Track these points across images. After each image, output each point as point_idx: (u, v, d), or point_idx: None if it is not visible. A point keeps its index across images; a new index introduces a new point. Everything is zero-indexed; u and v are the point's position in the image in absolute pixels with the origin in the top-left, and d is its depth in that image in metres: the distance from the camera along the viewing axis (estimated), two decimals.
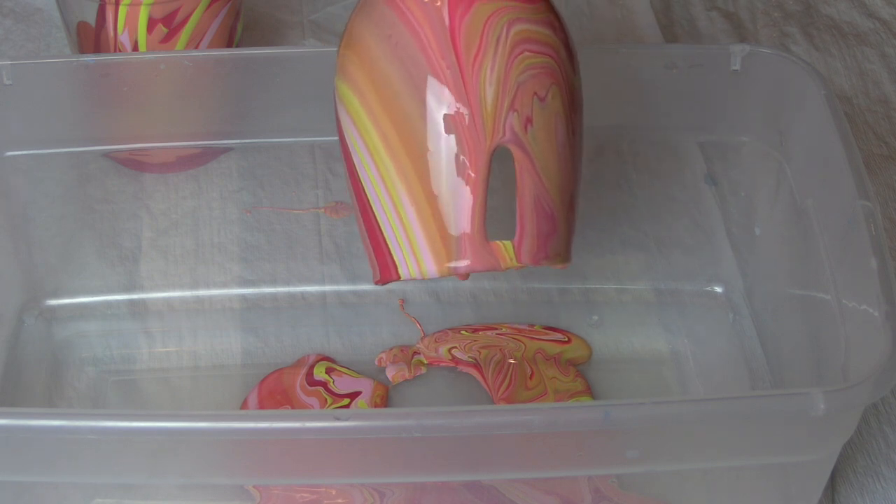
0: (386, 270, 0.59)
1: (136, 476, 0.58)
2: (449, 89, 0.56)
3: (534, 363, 0.72)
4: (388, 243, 0.58)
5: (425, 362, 0.72)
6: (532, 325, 0.74)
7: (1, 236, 0.72)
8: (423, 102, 0.56)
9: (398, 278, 0.58)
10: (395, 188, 0.57)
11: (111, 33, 0.75)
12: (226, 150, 0.78)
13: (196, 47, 0.76)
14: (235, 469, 0.58)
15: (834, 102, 0.65)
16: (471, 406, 0.70)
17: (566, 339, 0.73)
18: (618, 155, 0.78)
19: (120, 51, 0.75)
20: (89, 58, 0.68)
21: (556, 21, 0.59)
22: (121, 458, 0.57)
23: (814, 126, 0.65)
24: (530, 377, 0.71)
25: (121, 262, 0.75)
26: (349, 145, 0.59)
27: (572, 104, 0.59)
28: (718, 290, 0.75)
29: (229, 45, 0.79)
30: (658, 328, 0.74)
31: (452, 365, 0.72)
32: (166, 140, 0.71)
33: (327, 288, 0.75)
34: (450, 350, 0.72)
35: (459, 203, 0.57)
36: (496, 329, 0.73)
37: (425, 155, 0.57)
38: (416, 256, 0.58)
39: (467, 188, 0.57)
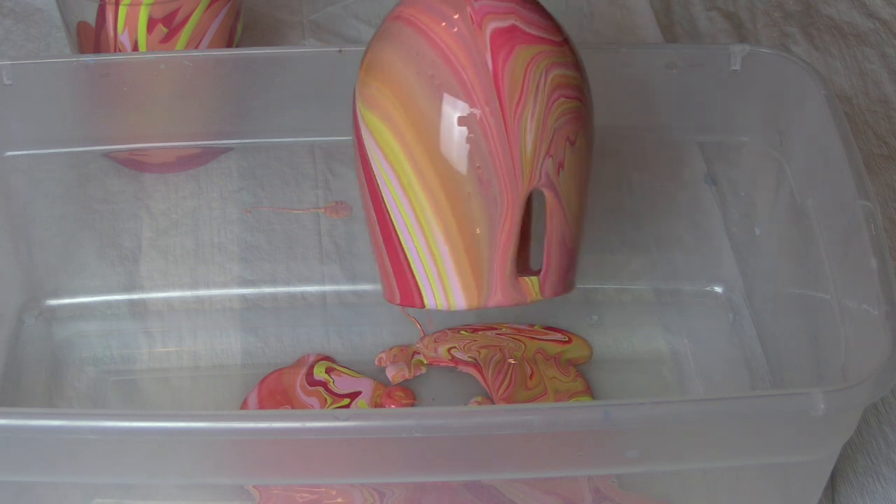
0: (409, 297, 0.60)
1: (136, 476, 0.58)
2: (493, 136, 0.57)
3: (534, 363, 0.72)
4: (415, 273, 0.59)
5: (425, 362, 0.72)
6: (532, 325, 0.74)
7: (1, 236, 0.72)
8: (465, 147, 0.57)
9: (422, 307, 0.60)
10: (428, 225, 0.58)
11: (111, 33, 0.75)
12: (226, 150, 0.78)
13: (196, 47, 0.76)
14: (235, 469, 0.58)
15: (834, 102, 0.65)
16: (471, 406, 0.70)
17: (567, 339, 0.73)
18: (618, 155, 0.78)
19: (120, 51, 0.75)
20: (89, 58, 0.68)
21: (579, 62, 0.60)
22: (121, 458, 0.57)
23: (814, 126, 0.65)
24: (530, 377, 0.71)
25: (121, 262, 0.75)
26: (375, 173, 0.59)
27: (592, 142, 0.60)
28: (718, 290, 0.75)
29: (229, 45, 0.79)
30: (658, 328, 0.74)
31: (452, 365, 0.72)
32: (166, 140, 0.71)
33: (327, 288, 0.75)
34: (449, 350, 0.72)
35: (494, 244, 0.58)
36: (496, 329, 0.73)
37: (465, 198, 0.58)
38: (445, 290, 0.59)
39: (504, 231, 0.58)
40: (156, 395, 0.71)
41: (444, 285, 0.59)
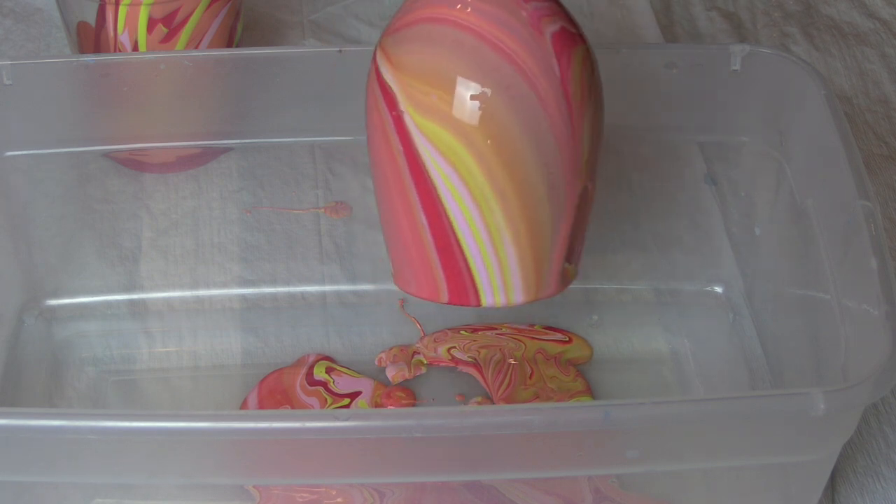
0: (463, 296, 0.60)
1: (136, 476, 0.58)
2: (564, 142, 0.58)
3: (534, 363, 0.72)
4: (475, 274, 0.60)
5: (425, 362, 0.72)
6: (532, 325, 0.74)
7: (1, 236, 0.72)
8: (540, 154, 0.58)
9: (479, 305, 0.60)
10: (497, 229, 0.59)
11: (111, 33, 0.75)
12: (226, 150, 0.78)
13: (196, 47, 0.76)
14: (235, 469, 0.58)
15: (834, 102, 0.65)
16: (471, 406, 0.70)
17: (567, 339, 0.73)
18: (618, 155, 0.78)
19: (120, 51, 0.75)
20: (89, 58, 0.68)
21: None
22: (121, 458, 0.57)
23: (814, 126, 0.65)
24: (530, 377, 0.71)
25: (121, 262, 0.75)
26: (434, 179, 0.58)
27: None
28: (718, 290, 0.75)
29: (229, 45, 0.79)
30: (658, 328, 0.74)
31: (452, 365, 0.72)
32: (166, 140, 0.71)
33: (327, 288, 0.75)
34: (448, 350, 0.72)
35: (556, 241, 0.60)
36: (496, 329, 0.73)
37: (537, 203, 0.58)
38: (505, 287, 0.60)
39: (564, 228, 0.60)
40: (156, 395, 0.71)
41: (505, 283, 0.60)
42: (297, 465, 0.57)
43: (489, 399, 0.70)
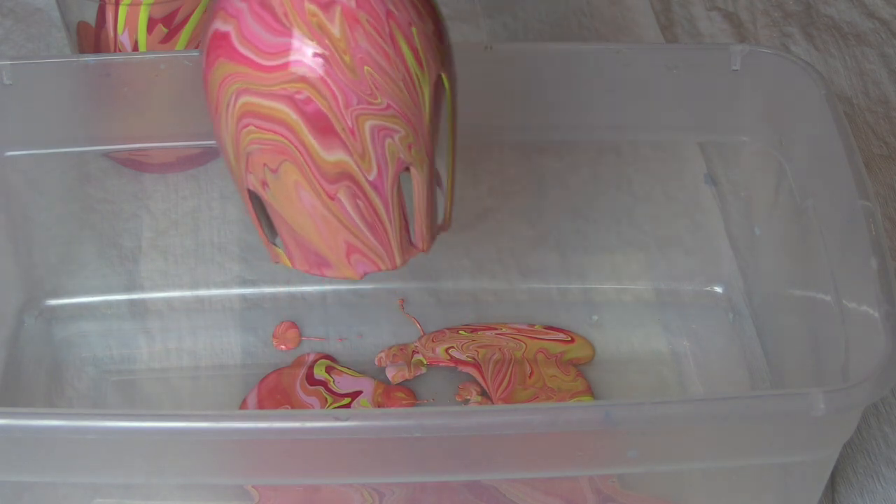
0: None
1: (136, 476, 0.58)
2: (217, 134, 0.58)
3: (534, 363, 0.72)
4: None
5: (425, 362, 0.72)
6: (532, 326, 0.74)
7: (1, 236, 0.72)
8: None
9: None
10: None
11: (111, 33, 0.75)
12: None
13: (196, 47, 0.76)
14: (235, 469, 0.58)
15: (834, 102, 0.65)
16: (471, 406, 0.70)
17: (569, 339, 0.73)
18: (618, 155, 0.78)
19: (120, 51, 0.75)
20: (89, 58, 0.68)
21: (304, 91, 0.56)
22: (121, 458, 0.57)
23: (814, 126, 0.65)
24: (530, 376, 0.71)
25: (121, 262, 0.75)
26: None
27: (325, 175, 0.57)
28: (718, 290, 0.75)
29: None
30: (658, 328, 0.74)
31: (452, 365, 0.72)
32: (166, 140, 0.71)
33: (327, 288, 0.75)
34: (447, 350, 0.72)
35: None
36: (496, 329, 0.73)
37: None
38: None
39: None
40: (156, 395, 0.71)
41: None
42: (297, 465, 0.57)
43: (488, 398, 0.70)
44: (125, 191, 0.78)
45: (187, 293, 0.75)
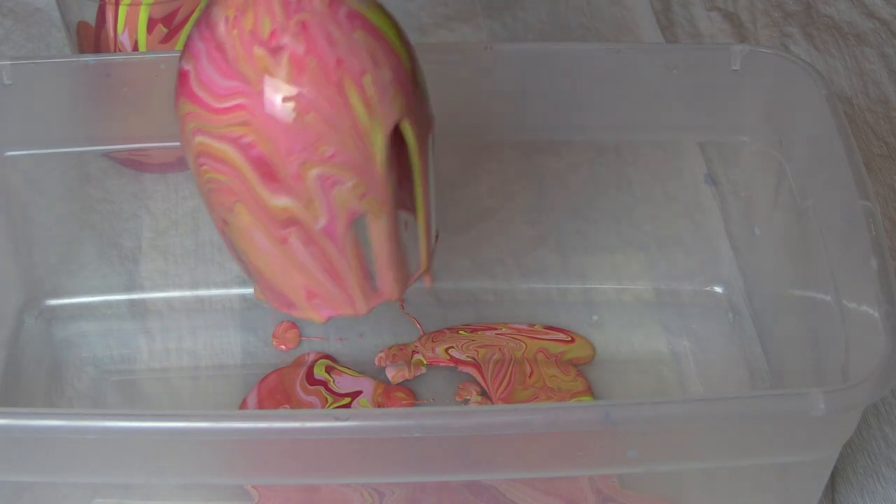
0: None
1: (136, 476, 0.58)
2: None
3: (534, 363, 0.72)
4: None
5: (425, 362, 0.72)
6: (532, 326, 0.74)
7: (1, 236, 0.72)
8: None
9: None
10: None
11: (111, 33, 0.75)
12: None
13: None
14: (235, 469, 0.58)
15: (834, 102, 0.65)
16: (471, 406, 0.70)
17: (570, 339, 0.73)
18: (618, 155, 0.78)
19: (120, 51, 0.75)
20: (89, 58, 0.67)
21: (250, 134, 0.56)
22: (121, 458, 0.57)
23: (814, 126, 0.65)
24: (530, 376, 0.71)
25: (121, 262, 0.75)
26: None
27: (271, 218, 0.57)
28: (718, 290, 0.75)
29: None
30: (658, 328, 0.74)
31: (452, 365, 0.72)
32: (166, 140, 0.70)
33: None
34: (447, 350, 0.72)
35: None
36: (496, 329, 0.73)
37: None
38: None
39: None
40: (156, 395, 0.71)
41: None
42: (297, 465, 0.57)
43: (488, 398, 0.70)
44: (125, 191, 0.78)
45: (187, 293, 0.75)
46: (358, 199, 0.55)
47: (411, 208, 0.58)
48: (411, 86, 0.56)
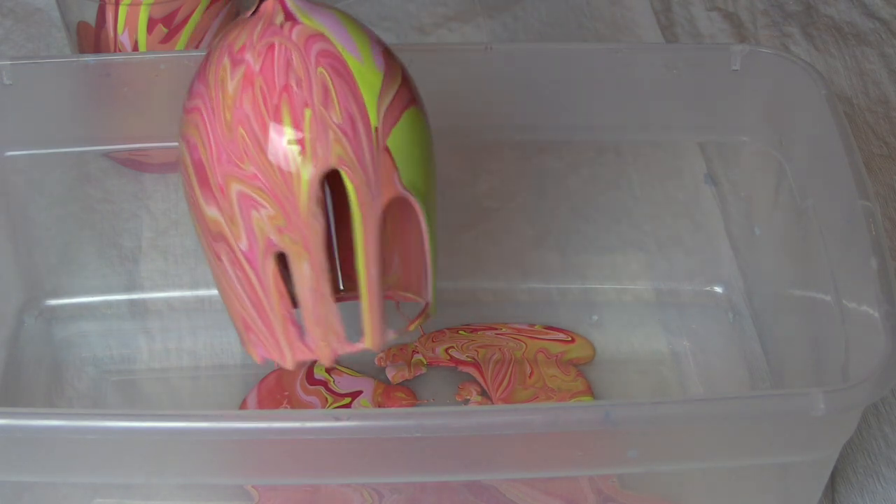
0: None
1: (136, 476, 0.58)
2: None
3: (534, 363, 0.72)
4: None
5: (425, 362, 0.72)
6: (532, 326, 0.74)
7: (1, 236, 0.72)
8: None
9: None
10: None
11: (111, 33, 0.75)
12: None
13: (196, 47, 0.76)
14: (235, 469, 0.58)
15: (834, 102, 0.65)
16: (471, 406, 0.70)
17: (570, 339, 0.73)
18: (618, 155, 0.78)
19: (120, 51, 0.75)
20: (89, 58, 0.68)
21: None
22: (121, 458, 0.57)
23: (814, 126, 0.65)
24: (530, 376, 0.71)
25: (121, 262, 0.75)
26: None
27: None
28: (718, 290, 0.75)
29: None
30: (658, 328, 0.74)
31: (452, 365, 0.72)
32: (166, 140, 0.70)
33: None
34: (447, 350, 0.72)
35: None
36: (496, 329, 0.73)
37: None
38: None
39: None
40: (156, 395, 0.71)
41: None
42: (297, 465, 0.57)
43: (488, 398, 0.70)
44: (125, 191, 0.78)
45: (187, 293, 0.75)
46: (276, 231, 0.55)
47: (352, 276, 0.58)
48: (375, 146, 0.56)
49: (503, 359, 0.72)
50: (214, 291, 0.74)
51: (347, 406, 0.70)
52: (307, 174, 0.55)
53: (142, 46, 0.75)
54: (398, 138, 0.56)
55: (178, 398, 0.71)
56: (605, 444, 0.57)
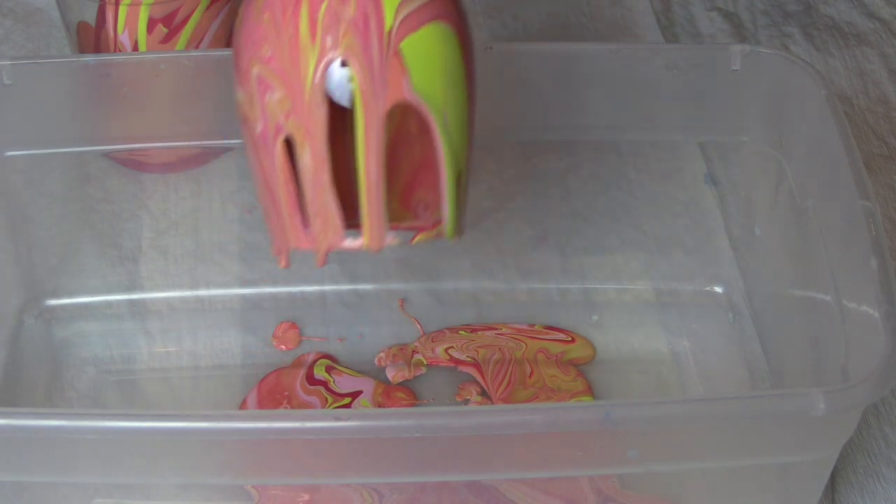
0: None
1: (136, 476, 0.58)
2: None
3: (534, 363, 0.72)
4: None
5: (425, 362, 0.72)
6: (532, 326, 0.74)
7: (1, 236, 0.72)
8: None
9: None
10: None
11: (111, 33, 0.75)
12: (226, 150, 0.78)
13: (196, 47, 0.76)
14: (235, 469, 0.58)
15: (834, 102, 0.65)
16: (471, 406, 0.70)
17: (570, 339, 0.73)
18: (618, 155, 0.78)
19: (120, 51, 0.75)
20: (89, 58, 0.68)
21: None
22: (121, 458, 0.57)
23: (814, 126, 0.65)
24: (530, 376, 0.71)
25: (121, 262, 0.75)
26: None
27: None
28: (718, 290, 0.75)
29: (229, 45, 0.78)
30: (658, 328, 0.74)
31: (452, 365, 0.72)
32: (166, 140, 0.71)
33: (327, 288, 0.75)
34: (447, 350, 0.72)
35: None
36: (496, 329, 0.73)
37: None
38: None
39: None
40: (156, 395, 0.71)
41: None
42: (297, 465, 0.57)
43: (488, 398, 0.70)
44: (125, 191, 0.78)
45: (187, 293, 0.75)
46: (284, 114, 0.56)
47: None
48: (386, 46, 0.56)
49: (503, 359, 0.72)
50: (214, 291, 0.75)
51: (347, 406, 0.70)
52: (313, 60, 0.56)
53: (142, 46, 0.75)
54: (415, 45, 0.56)
55: (178, 398, 0.71)
56: (605, 444, 0.57)
